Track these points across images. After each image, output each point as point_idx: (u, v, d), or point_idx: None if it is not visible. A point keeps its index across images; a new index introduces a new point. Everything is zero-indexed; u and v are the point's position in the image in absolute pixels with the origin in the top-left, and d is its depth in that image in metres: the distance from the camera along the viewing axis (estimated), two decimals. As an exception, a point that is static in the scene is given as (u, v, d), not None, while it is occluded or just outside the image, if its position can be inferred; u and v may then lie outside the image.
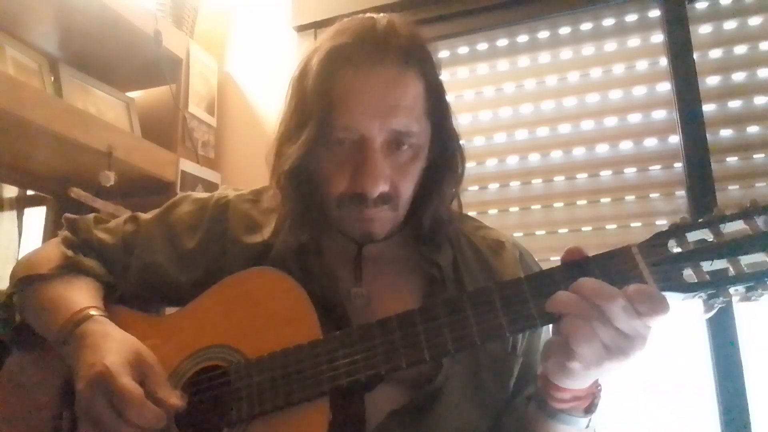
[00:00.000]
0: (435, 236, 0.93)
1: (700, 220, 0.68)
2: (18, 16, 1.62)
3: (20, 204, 2.03)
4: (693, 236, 0.68)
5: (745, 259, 0.64)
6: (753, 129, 1.65)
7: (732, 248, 0.65)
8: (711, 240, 0.67)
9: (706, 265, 0.65)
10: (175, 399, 0.78)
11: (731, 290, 0.64)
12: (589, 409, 0.76)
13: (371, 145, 0.81)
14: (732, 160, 1.65)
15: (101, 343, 0.80)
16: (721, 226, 0.66)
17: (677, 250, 0.68)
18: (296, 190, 0.90)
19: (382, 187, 0.82)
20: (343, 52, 0.82)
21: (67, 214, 1.04)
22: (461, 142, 0.95)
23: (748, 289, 0.64)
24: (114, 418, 0.73)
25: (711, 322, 1.56)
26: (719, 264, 0.65)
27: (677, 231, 0.69)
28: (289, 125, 0.89)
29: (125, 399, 0.73)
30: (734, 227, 0.66)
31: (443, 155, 0.92)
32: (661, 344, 1.61)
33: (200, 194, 1.06)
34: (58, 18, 1.66)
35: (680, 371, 1.63)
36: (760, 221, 0.64)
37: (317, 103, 0.83)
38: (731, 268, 0.64)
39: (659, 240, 0.69)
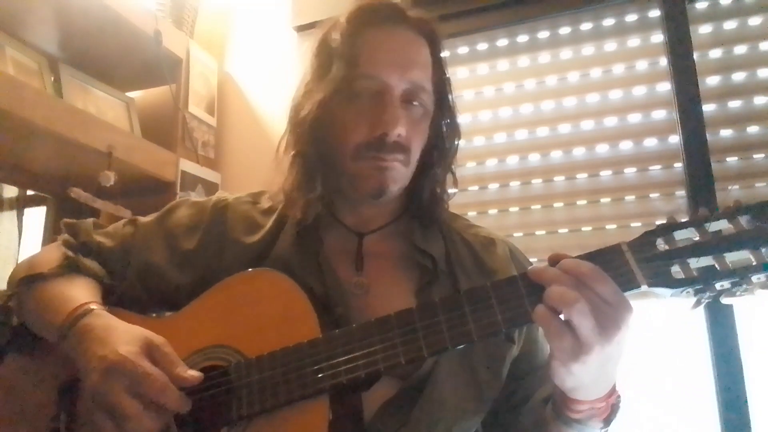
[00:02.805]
0: (430, 214, 0.99)
1: (686, 220, 0.71)
2: (18, 16, 1.62)
3: (20, 204, 2.04)
4: (680, 235, 0.70)
5: (730, 257, 0.66)
6: (753, 129, 1.65)
7: (717, 246, 0.67)
8: (697, 239, 0.69)
9: (693, 262, 0.68)
10: (193, 373, 0.79)
11: (717, 286, 0.67)
12: (608, 420, 0.79)
13: (392, 92, 0.90)
14: (732, 160, 1.65)
15: (107, 335, 0.80)
16: (706, 225, 0.69)
17: (665, 248, 0.70)
18: (313, 142, 0.94)
19: (400, 129, 0.89)
20: (369, 12, 0.94)
21: (66, 219, 1.06)
22: (460, 135, 1.03)
23: (734, 285, 0.66)
24: (136, 404, 0.73)
25: (711, 322, 1.55)
26: (705, 261, 0.67)
27: (665, 230, 0.71)
28: (311, 81, 0.96)
29: (150, 382, 0.74)
30: (719, 226, 0.68)
31: (442, 129, 1.00)
32: (661, 344, 1.61)
33: (198, 198, 1.09)
34: (58, 18, 1.67)
35: (680, 371, 1.62)
36: (743, 220, 0.67)
37: (342, 54, 0.91)
38: (717, 265, 0.67)
39: (648, 238, 0.72)
